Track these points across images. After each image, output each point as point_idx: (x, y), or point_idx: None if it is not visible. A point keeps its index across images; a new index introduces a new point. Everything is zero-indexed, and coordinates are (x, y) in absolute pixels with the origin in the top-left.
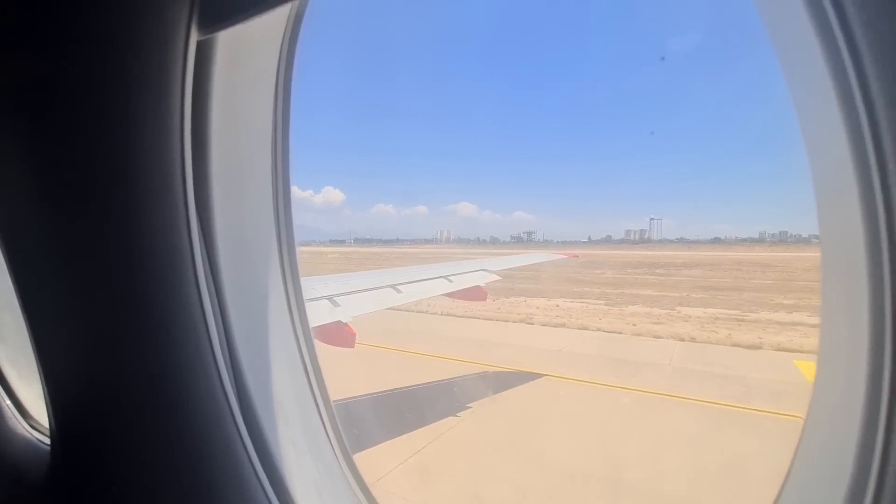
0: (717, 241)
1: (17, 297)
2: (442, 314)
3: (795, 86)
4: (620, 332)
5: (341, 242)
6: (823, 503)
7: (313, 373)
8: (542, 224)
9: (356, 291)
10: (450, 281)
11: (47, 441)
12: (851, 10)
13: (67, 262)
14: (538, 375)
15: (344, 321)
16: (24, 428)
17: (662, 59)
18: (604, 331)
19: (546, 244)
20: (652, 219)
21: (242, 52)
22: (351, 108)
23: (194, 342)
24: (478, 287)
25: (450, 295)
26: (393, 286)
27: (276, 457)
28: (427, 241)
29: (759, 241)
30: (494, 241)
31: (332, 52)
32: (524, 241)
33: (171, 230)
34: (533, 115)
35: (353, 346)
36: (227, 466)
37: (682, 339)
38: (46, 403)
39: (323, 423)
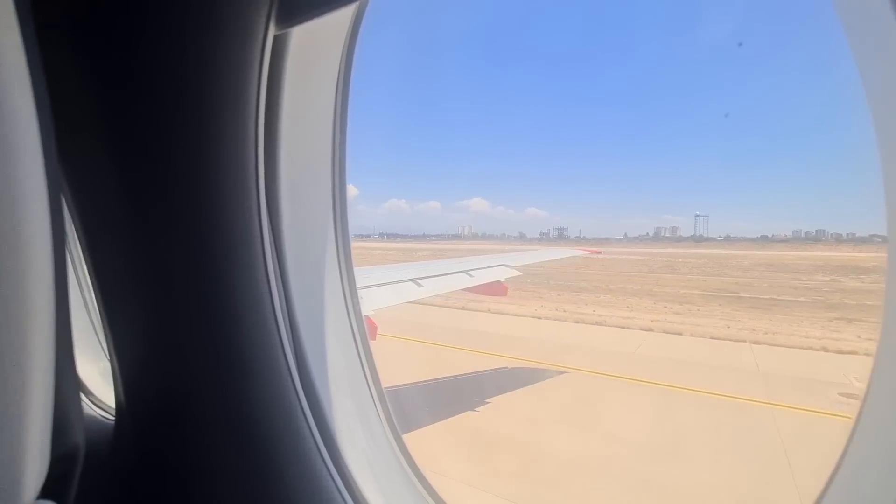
0: (765, 240)
1: (91, 278)
2: (462, 308)
3: (870, 81)
4: None
5: (366, 237)
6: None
7: (364, 353)
8: (554, 220)
9: (378, 285)
10: (470, 276)
11: (110, 417)
12: None
13: (142, 245)
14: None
15: (366, 314)
16: (87, 404)
17: (740, 44)
18: None
19: (572, 241)
20: (697, 215)
21: (311, 49)
22: (364, 103)
23: (261, 323)
24: (498, 282)
25: (470, 290)
26: (414, 280)
27: (333, 430)
28: (455, 237)
29: (814, 240)
30: (522, 237)
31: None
32: (560, 237)
33: (242, 220)
34: (544, 111)
35: (374, 339)
36: (290, 444)
37: None
38: (115, 380)
39: (373, 399)
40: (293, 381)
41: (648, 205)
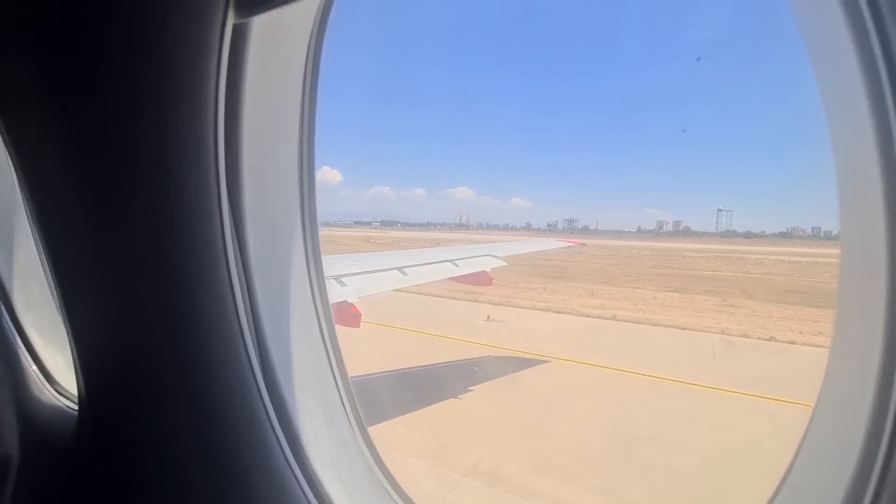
0: (784, 236)
1: (49, 267)
2: (449, 297)
3: (825, 80)
4: None
5: (367, 224)
6: (824, 496)
7: (331, 346)
8: (540, 211)
9: (363, 272)
10: (456, 265)
11: (74, 406)
12: (886, 7)
13: (100, 234)
14: (542, 361)
15: (350, 301)
16: (50, 393)
17: (698, 59)
18: None
19: (586, 232)
20: (720, 210)
21: (275, 38)
22: (353, 91)
23: (222, 313)
24: (483, 272)
25: (455, 279)
26: (399, 268)
27: (296, 424)
28: (461, 226)
29: (813, 237)
30: (528, 228)
31: (338, 35)
32: (570, 229)
33: (202, 208)
34: (536, 101)
35: (358, 326)
36: (250, 432)
37: None
38: (76, 370)
39: (340, 394)
40: (254, 374)
41: (652, 199)
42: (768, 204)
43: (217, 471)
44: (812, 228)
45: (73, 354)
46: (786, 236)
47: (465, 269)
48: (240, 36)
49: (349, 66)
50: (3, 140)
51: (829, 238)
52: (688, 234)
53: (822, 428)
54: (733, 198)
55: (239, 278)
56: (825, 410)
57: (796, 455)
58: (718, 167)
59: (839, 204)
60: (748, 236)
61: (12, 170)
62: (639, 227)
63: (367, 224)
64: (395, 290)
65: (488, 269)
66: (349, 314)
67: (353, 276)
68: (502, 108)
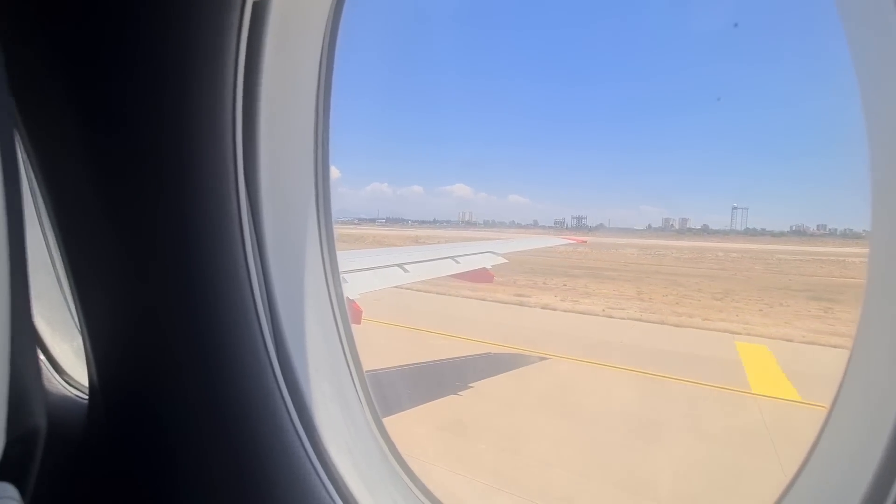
0: (800, 234)
1: (62, 256)
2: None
3: (866, 80)
4: None
5: (372, 222)
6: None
7: (345, 336)
8: (538, 208)
9: (364, 269)
10: (457, 262)
11: (83, 396)
12: None
13: (115, 223)
14: (540, 358)
15: (351, 298)
16: (59, 383)
17: (735, 25)
18: None
19: (595, 230)
20: (735, 207)
21: (293, 16)
22: (349, 88)
23: (238, 300)
24: (484, 269)
25: (456, 276)
26: (400, 265)
27: (313, 414)
28: (467, 224)
29: (853, 236)
30: (535, 224)
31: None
32: (579, 227)
33: (220, 195)
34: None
35: (359, 323)
36: (268, 427)
37: None
38: (87, 359)
39: (354, 382)
40: (271, 364)
41: (654, 196)
42: (763, 202)
43: (232, 457)
44: (817, 226)
45: (84, 344)
46: (799, 234)
47: (466, 266)
48: (259, 14)
49: (346, 64)
50: (16, 126)
51: (847, 236)
52: (707, 232)
53: (839, 431)
54: (729, 197)
55: (256, 268)
56: (844, 413)
57: (808, 457)
58: (711, 167)
59: (872, 202)
60: (775, 235)
61: (22, 156)
62: (649, 225)
63: (372, 221)
64: (397, 286)
65: (489, 267)
66: (350, 311)
67: (354, 272)
68: (499, 107)
